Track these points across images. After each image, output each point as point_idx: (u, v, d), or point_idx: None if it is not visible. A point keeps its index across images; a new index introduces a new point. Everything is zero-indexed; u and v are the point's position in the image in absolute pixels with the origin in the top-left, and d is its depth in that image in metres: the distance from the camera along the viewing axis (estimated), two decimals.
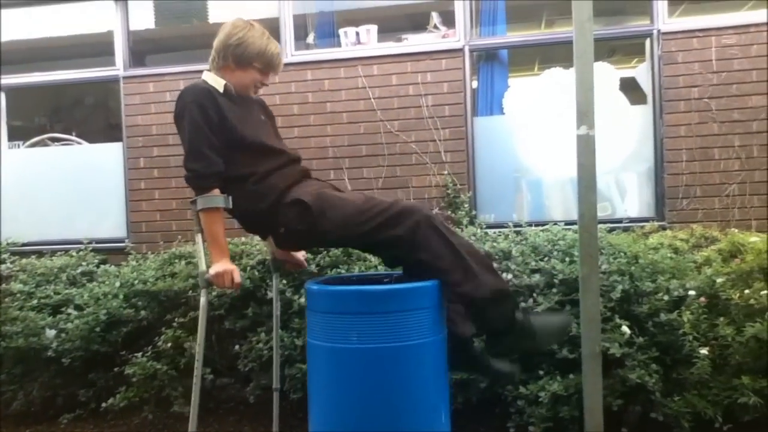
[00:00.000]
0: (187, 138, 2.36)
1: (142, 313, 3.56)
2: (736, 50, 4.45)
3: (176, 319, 3.47)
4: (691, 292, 3.15)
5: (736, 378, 2.88)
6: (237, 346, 3.41)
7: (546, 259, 3.41)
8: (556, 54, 5.57)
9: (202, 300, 2.39)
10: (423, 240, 2.30)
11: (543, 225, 3.95)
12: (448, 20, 4.98)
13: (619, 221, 4.33)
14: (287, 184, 2.46)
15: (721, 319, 3.01)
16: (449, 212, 4.54)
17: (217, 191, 2.39)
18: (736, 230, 3.87)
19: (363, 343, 2.23)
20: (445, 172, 4.70)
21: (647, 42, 4.64)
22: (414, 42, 5.08)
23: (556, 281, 3.23)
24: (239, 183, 2.42)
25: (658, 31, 4.54)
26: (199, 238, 2.43)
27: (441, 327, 2.42)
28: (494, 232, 3.95)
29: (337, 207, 2.37)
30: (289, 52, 5.06)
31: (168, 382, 3.37)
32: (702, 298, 3.12)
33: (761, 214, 4.27)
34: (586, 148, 2.89)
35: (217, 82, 2.48)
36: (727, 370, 2.93)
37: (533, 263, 3.39)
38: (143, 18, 5.75)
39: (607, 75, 4.79)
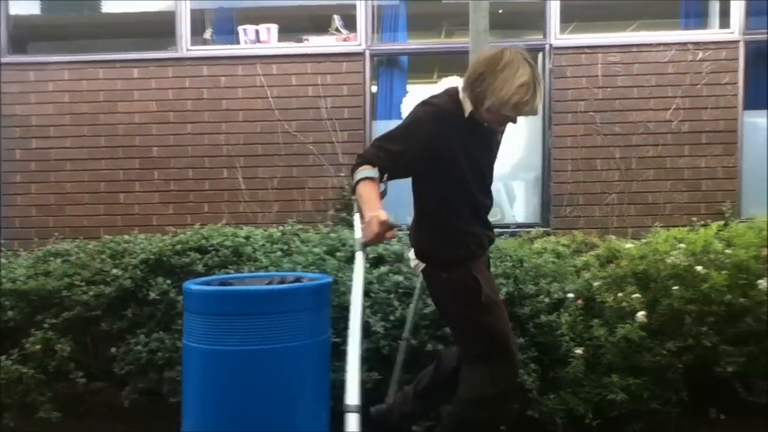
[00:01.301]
0: None
1: (9, 313, 3.34)
2: (620, 68, 4.74)
3: (47, 320, 3.27)
4: (570, 295, 3.31)
5: (606, 376, 3.04)
6: (114, 349, 3.26)
7: None
8: (455, 63, 5.72)
9: (358, 261, 2.18)
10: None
11: None
12: (350, 24, 5.02)
13: (507, 226, 4.50)
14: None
15: (596, 320, 3.18)
16: (344, 214, 4.56)
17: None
18: (614, 237, 4.10)
19: (241, 345, 2.20)
20: (342, 174, 4.71)
21: (540, 56, 4.85)
22: (315, 43, 5.07)
23: None
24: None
25: (550, 45, 4.76)
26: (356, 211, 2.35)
27: (323, 329, 2.41)
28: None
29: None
30: (184, 46, 4.93)
31: (35, 387, 3.17)
32: (579, 301, 3.29)
33: (637, 223, 4.57)
34: None
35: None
36: (599, 369, 3.09)
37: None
38: (27, 3, 5.44)
39: None
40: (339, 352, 3.09)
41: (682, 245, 3.49)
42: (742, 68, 4.74)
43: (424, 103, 2.39)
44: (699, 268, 3.29)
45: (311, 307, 2.33)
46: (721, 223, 3.88)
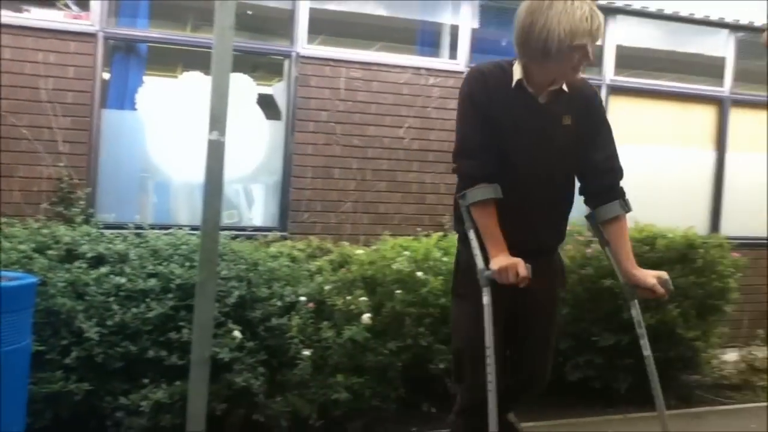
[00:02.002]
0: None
1: None
2: (361, 83, 5.01)
3: None
4: (302, 298, 3.39)
5: (332, 377, 3.17)
6: None
7: (165, 263, 3.32)
8: (200, 59, 5.55)
9: (485, 299, 2.05)
10: None
11: (167, 228, 3.85)
12: (84, 2, 4.58)
13: (244, 229, 4.47)
14: None
15: (325, 322, 3.30)
16: (61, 208, 4.12)
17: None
18: (347, 243, 4.32)
19: None
20: (61, 164, 4.26)
21: (286, 63, 4.92)
22: (39, 16, 4.53)
23: (173, 286, 3.17)
24: None
25: (297, 54, 4.86)
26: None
27: (21, 335, 2.14)
28: (112, 233, 3.70)
29: None
30: None
31: None
32: (311, 304, 3.38)
33: (369, 230, 4.85)
34: (215, 154, 2.92)
35: None
36: (326, 370, 3.21)
37: (151, 267, 3.27)
38: None
39: (247, 87, 4.93)
40: (43, 362, 2.78)
41: (406, 253, 3.79)
42: None
43: (467, 74, 2.21)
44: (420, 273, 3.61)
45: (7, 311, 2.05)
46: (441, 234, 4.30)
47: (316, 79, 4.91)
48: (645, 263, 3.79)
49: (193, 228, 3.84)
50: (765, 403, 3.97)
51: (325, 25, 5.50)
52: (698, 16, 5.88)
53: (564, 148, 2.16)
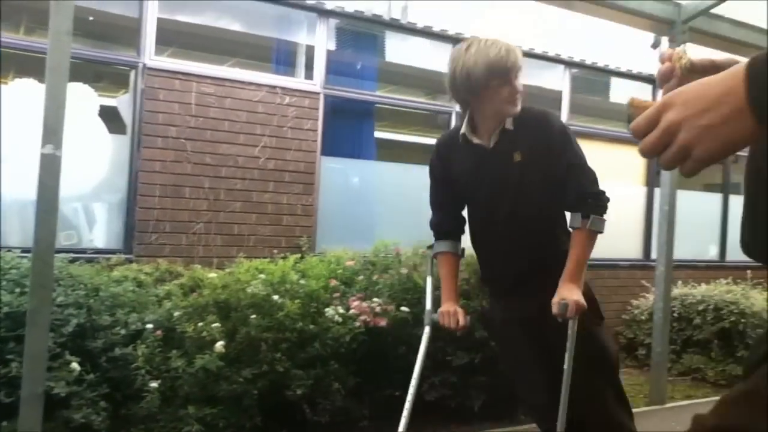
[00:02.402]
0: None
1: None
2: (214, 99, 4.87)
3: None
4: (149, 326, 3.20)
5: (183, 408, 3.01)
6: None
7: None
8: (34, 65, 5.12)
9: (425, 337, 2.46)
10: None
11: None
12: None
13: (84, 251, 4.15)
14: None
15: (175, 351, 3.13)
16: None
17: None
18: (199, 266, 4.14)
19: None
20: None
21: (132, 74, 4.68)
22: None
23: (0, 315, 2.86)
24: None
25: (144, 65, 4.63)
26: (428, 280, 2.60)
27: None
28: None
29: None
30: None
31: None
32: (158, 331, 3.19)
33: (222, 253, 4.70)
34: (50, 169, 2.73)
35: None
36: (176, 402, 3.04)
37: None
38: None
39: (87, 98, 4.62)
40: None
41: (262, 275, 3.71)
42: (321, 117, 5.35)
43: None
44: (276, 297, 3.54)
45: None
46: (298, 256, 4.26)
47: (165, 93, 4.71)
48: None
49: (25, 250, 3.51)
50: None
51: (175, 37, 5.31)
52: (537, 51, 6.36)
53: (520, 183, 2.26)
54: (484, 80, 2.15)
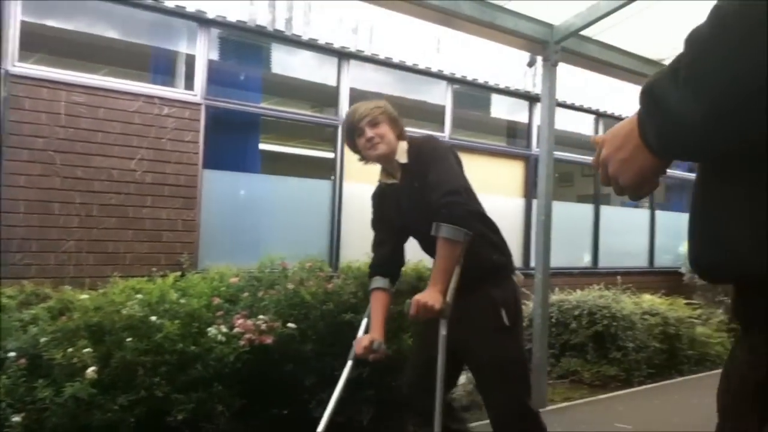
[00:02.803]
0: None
1: None
2: (85, 109, 4.62)
3: None
4: (12, 354, 2.96)
5: None
6: None
7: None
8: None
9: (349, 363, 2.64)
10: None
11: None
12: None
13: None
14: None
15: (41, 380, 2.91)
16: None
17: None
18: (69, 287, 3.89)
19: None
20: None
21: None
22: None
23: None
24: None
25: (6, 71, 4.33)
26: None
27: None
28: None
29: None
30: None
31: None
32: (22, 360, 2.97)
33: (95, 272, 4.45)
34: None
35: None
36: None
37: None
38: None
39: None
40: None
41: (139, 296, 3.54)
42: (203, 129, 5.21)
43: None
44: (154, 318, 3.39)
45: None
46: (179, 273, 4.10)
47: (31, 102, 4.42)
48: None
49: None
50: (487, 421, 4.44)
51: (43, 42, 5.00)
52: (421, 66, 6.52)
53: (420, 207, 2.51)
54: (349, 138, 2.65)
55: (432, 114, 6.94)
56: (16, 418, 2.74)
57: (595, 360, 5.87)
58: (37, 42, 4.82)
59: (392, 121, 2.59)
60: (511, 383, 2.47)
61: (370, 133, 2.54)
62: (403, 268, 2.90)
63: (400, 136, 2.61)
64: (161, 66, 5.59)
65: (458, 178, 2.45)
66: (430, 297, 2.29)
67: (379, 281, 2.72)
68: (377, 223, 2.81)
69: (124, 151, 4.77)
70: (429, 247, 2.54)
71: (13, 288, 3.78)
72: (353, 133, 2.59)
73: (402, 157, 2.56)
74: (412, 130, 6.67)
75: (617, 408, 5.06)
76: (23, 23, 4.47)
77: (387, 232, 2.77)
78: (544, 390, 4.97)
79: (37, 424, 2.83)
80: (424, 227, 2.41)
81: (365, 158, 2.65)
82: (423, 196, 2.45)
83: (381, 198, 2.76)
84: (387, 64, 6.38)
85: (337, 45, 5.93)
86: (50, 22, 4.87)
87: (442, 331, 2.32)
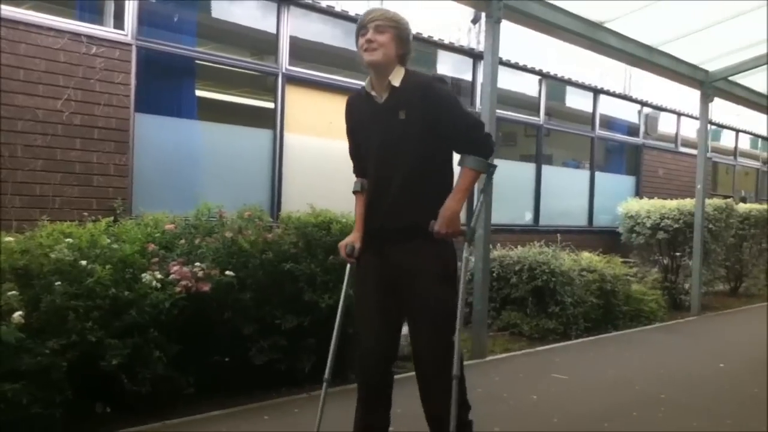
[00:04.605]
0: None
1: None
2: (5, 44, 4.41)
3: None
4: None
5: None
6: None
7: None
8: None
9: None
10: None
11: None
12: None
13: None
14: None
15: None
16: None
17: None
18: None
19: None
20: None
21: None
22: None
23: None
24: None
25: None
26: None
27: None
28: None
29: None
30: None
31: None
32: None
33: (23, 215, 4.31)
34: None
35: None
36: None
37: None
38: None
39: None
40: None
41: (68, 240, 3.46)
42: (134, 71, 5.04)
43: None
44: (84, 262, 3.33)
45: None
46: (111, 219, 4.01)
47: None
48: (321, 246, 4.10)
49: None
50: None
51: None
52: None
53: (401, 140, 2.55)
54: (356, 34, 2.60)
55: None
56: None
57: (534, 314, 6.09)
58: None
59: (400, 39, 2.58)
60: (444, 331, 2.56)
61: (371, 35, 2.54)
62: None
63: (402, 60, 2.60)
64: (88, 2, 5.35)
65: (476, 117, 2.74)
66: (453, 211, 2.52)
67: (356, 184, 2.76)
68: (351, 134, 2.81)
69: (49, 90, 4.58)
70: (376, 180, 2.63)
71: None
72: (359, 30, 2.59)
73: (396, 80, 2.57)
74: (354, 82, 6.64)
75: (555, 359, 5.28)
76: None
77: (356, 146, 2.80)
78: (484, 341, 5.13)
79: None
80: (385, 154, 2.58)
81: (360, 61, 2.62)
82: (405, 129, 2.54)
83: (357, 105, 2.75)
84: (329, 12, 6.30)
85: None
86: None
87: (465, 254, 2.63)
